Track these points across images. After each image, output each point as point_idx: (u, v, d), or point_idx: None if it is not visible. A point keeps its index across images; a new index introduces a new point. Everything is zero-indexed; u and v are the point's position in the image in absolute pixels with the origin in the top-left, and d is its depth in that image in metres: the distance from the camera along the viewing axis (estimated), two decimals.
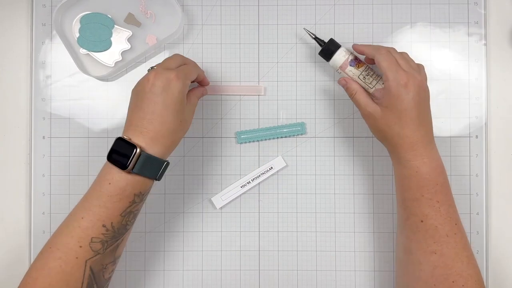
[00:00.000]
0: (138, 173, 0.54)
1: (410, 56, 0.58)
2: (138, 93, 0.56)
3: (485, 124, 0.68)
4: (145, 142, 0.54)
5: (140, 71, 0.69)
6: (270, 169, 0.68)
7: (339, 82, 0.63)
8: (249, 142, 0.68)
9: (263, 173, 0.68)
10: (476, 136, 0.68)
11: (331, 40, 0.65)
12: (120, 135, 0.62)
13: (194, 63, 0.62)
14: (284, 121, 0.68)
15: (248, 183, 0.68)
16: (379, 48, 0.60)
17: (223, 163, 0.69)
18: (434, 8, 0.69)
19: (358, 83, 0.64)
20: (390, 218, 0.68)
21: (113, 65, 0.68)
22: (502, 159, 0.68)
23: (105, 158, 0.61)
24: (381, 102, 0.58)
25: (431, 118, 0.58)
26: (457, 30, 0.69)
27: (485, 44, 0.68)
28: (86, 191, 0.55)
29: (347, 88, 0.62)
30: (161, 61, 0.59)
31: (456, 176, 0.68)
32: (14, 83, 0.69)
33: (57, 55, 0.69)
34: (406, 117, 0.56)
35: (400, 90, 0.56)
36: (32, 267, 0.54)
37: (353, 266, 0.68)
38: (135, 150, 0.53)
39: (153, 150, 0.55)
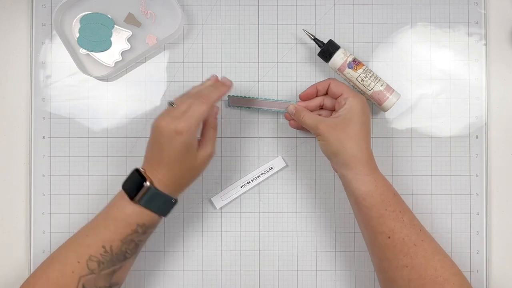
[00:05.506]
0: (144, 206, 0.56)
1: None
2: (154, 131, 0.56)
3: (485, 124, 0.68)
4: (157, 178, 0.56)
5: (140, 71, 0.69)
6: (270, 169, 0.68)
7: (289, 119, 0.65)
8: (240, 105, 0.67)
9: (263, 173, 0.68)
10: (476, 136, 0.68)
11: (330, 41, 0.65)
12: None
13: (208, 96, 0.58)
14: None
15: (248, 183, 0.68)
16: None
17: (223, 163, 0.69)
18: (434, 8, 0.68)
19: (357, 85, 0.64)
20: None
21: (113, 65, 0.68)
22: (502, 159, 0.68)
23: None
24: (339, 115, 0.59)
25: None
26: (457, 30, 0.69)
27: (485, 44, 0.68)
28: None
29: (295, 115, 0.62)
30: (181, 95, 0.58)
31: (456, 176, 0.68)
32: (14, 83, 0.69)
33: (57, 55, 0.69)
34: (364, 130, 0.58)
35: (364, 105, 0.59)
36: (32, 275, 0.57)
37: (353, 266, 0.68)
38: (145, 183, 0.55)
39: (162, 187, 0.56)
